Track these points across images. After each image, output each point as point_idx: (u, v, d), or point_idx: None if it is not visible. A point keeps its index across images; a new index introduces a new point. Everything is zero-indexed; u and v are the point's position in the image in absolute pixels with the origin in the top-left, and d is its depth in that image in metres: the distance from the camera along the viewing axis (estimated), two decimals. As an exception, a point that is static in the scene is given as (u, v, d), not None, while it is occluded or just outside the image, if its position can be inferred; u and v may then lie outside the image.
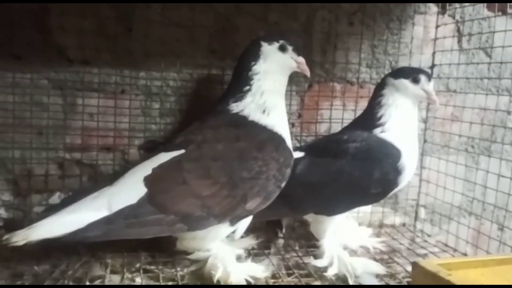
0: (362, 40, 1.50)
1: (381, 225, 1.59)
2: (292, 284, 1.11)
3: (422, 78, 1.23)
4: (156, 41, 1.34)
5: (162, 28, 1.34)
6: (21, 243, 0.90)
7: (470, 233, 1.50)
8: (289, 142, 1.15)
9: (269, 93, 1.14)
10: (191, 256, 1.13)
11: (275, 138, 1.11)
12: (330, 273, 1.16)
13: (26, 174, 1.32)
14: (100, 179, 1.37)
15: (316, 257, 1.25)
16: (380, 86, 1.27)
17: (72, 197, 1.04)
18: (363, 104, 1.52)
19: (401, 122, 1.23)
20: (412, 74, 1.23)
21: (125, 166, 1.37)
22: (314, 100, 1.52)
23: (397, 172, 1.18)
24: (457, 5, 1.54)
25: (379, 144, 1.20)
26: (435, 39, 1.57)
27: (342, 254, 1.21)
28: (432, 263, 0.92)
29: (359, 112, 1.51)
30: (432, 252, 1.38)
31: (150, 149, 1.37)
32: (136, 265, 1.16)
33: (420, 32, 1.57)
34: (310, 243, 1.37)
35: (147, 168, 1.02)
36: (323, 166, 1.21)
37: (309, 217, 1.33)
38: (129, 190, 0.98)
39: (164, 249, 1.21)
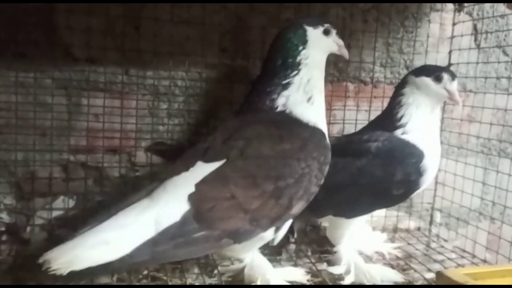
0: (376, 38, 1.45)
1: (395, 230, 1.54)
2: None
3: (445, 76, 1.17)
4: (165, 39, 1.29)
5: (172, 26, 1.29)
6: (63, 272, 0.80)
7: (488, 239, 1.45)
8: (327, 136, 1.10)
9: (315, 79, 1.10)
10: (228, 268, 1.11)
11: (316, 135, 1.05)
12: (347, 281, 1.11)
13: (29, 176, 1.28)
14: (106, 182, 1.33)
15: (330, 263, 1.21)
16: (401, 85, 1.22)
17: (106, 208, 0.96)
18: (377, 104, 1.48)
19: (422, 123, 1.18)
20: (435, 72, 1.18)
21: (132, 169, 1.35)
22: (326, 100, 1.42)
23: (420, 173, 1.13)
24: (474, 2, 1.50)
25: (401, 144, 1.15)
26: (452, 37, 1.53)
27: (359, 261, 1.17)
28: (458, 273, 0.87)
29: (373, 113, 1.47)
30: (449, 258, 1.34)
31: (159, 151, 1.33)
32: (143, 272, 1.13)
33: (436, 30, 1.52)
34: (323, 249, 1.33)
35: (188, 182, 0.94)
36: (343, 166, 1.16)
37: (326, 221, 1.28)
38: (173, 207, 0.90)
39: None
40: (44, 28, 1.24)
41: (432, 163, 1.16)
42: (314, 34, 1.10)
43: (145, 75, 1.32)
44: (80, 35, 1.25)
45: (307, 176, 0.98)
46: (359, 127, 1.45)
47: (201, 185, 0.93)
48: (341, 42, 1.15)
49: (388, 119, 1.21)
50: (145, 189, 0.97)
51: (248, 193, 0.93)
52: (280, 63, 1.08)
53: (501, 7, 1.53)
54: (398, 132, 1.17)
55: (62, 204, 1.30)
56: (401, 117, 1.18)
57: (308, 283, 1.11)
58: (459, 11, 1.52)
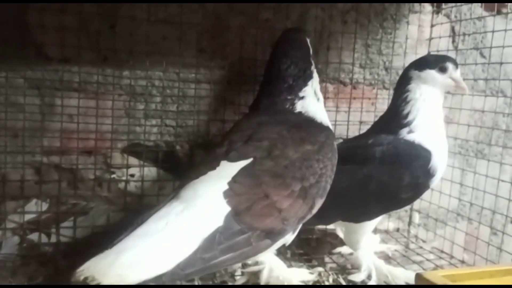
0: (355, 39, 1.45)
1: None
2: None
3: (450, 66, 1.14)
4: (142, 39, 1.27)
5: (148, 26, 1.27)
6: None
7: (466, 239, 1.46)
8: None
9: (317, 80, 1.19)
10: (245, 270, 1.09)
11: (330, 137, 1.09)
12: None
13: (1, 179, 1.24)
14: (80, 185, 1.29)
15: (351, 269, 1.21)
16: (404, 82, 1.17)
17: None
18: (357, 105, 1.48)
19: (429, 117, 1.14)
20: (438, 63, 1.14)
21: (107, 170, 1.32)
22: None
23: (428, 175, 1.11)
24: (452, 4, 1.50)
25: (407, 147, 1.11)
26: (430, 39, 1.54)
27: (379, 264, 1.17)
28: (436, 275, 0.87)
29: (352, 114, 1.47)
30: (428, 259, 1.35)
31: (135, 152, 1.31)
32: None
33: (414, 31, 1.52)
34: (302, 251, 1.33)
35: (219, 181, 0.92)
36: (349, 173, 1.13)
37: (340, 226, 1.30)
38: (212, 210, 0.87)
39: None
40: (17, 27, 1.21)
41: (440, 160, 1.13)
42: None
43: (121, 75, 1.29)
44: (53, 33, 1.22)
45: (324, 176, 1.00)
46: (339, 128, 1.46)
47: (234, 184, 0.91)
48: None
49: (393, 118, 1.17)
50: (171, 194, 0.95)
51: (279, 193, 0.93)
52: (297, 73, 1.14)
53: (478, 10, 1.54)
54: (404, 131, 1.13)
55: (34, 207, 1.27)
56: (408, 113, 1.14)
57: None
58: (437, 13, 1.54)
